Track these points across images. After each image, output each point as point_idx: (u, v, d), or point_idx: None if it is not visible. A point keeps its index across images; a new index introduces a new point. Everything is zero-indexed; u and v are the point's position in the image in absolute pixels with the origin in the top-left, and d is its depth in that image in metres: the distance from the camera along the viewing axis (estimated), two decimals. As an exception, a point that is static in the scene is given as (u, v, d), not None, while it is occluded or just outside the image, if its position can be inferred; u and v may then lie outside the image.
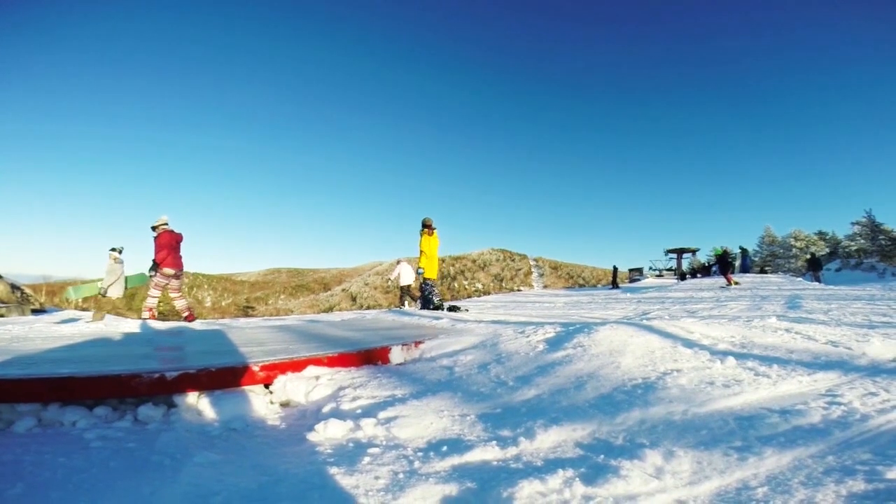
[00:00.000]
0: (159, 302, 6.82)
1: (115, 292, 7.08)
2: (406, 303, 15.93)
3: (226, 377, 2.18)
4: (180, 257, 6.79)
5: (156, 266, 6.64)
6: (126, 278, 7.64)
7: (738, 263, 20.85)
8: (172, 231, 6.73)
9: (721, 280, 13.82)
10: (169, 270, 6.65)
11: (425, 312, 9.08)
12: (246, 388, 2.23)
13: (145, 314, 6.62)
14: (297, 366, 2.41)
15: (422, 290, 9.44)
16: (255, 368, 2.26)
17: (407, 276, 16.14)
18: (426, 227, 9.41)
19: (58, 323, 6.32)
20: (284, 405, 2.20)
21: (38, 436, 1.75)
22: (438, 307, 9.28)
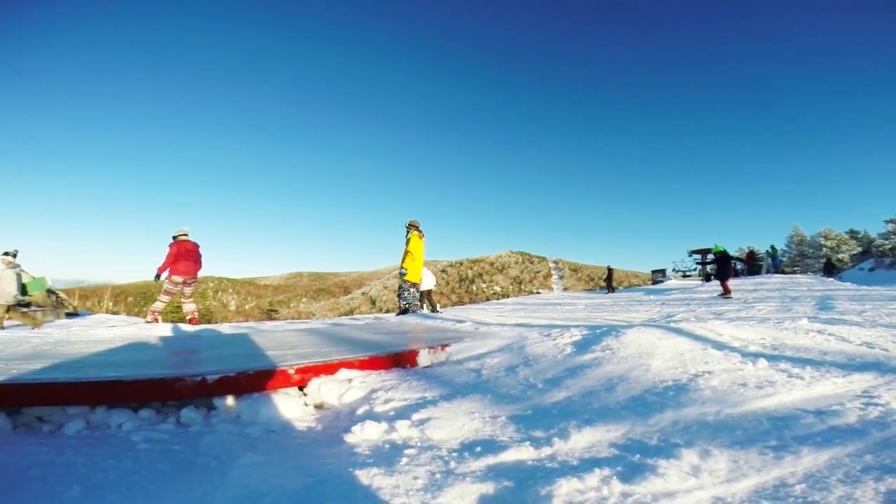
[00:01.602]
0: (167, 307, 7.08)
1: (7, 297, 7.34)
2: (424, 307, 15.92)
3: (263, 380, 2.24)
4: (193, 265, 7.09)
5: (157, 275, 6.91)
6: (24, 285, 7.97)
7: (767, 263, 20.31)
8: (184, 241, 7.05)
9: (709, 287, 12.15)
10: (178, 278, 6.95)
11: (447, 315, 8.98)
12: (281, 390, 2.29)
13: (148, 318, 6.89)
14: (329, 369, 2.46)
15: (400, 292, 9.10)
16: (291, 371, 2.31)
17: (427, 281, 16.17)
18: (415, 228, 9.09)
19: (93, 326, 6.54)
20: (318, 407, 2.26)
21: (88, 438, 1.82)
22: (406, 311, 8.95)
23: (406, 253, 8.83)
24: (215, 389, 2.13)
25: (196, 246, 7.16)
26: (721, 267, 9.66)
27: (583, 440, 1.42)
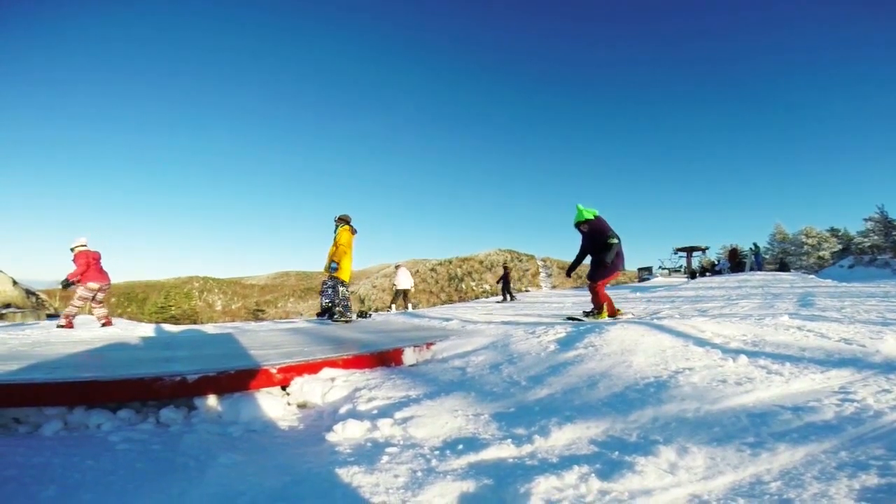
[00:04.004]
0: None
1: None
2: (394, 306, 15.83)
3: (244, 380, 2.22)
4: (103, 272, 7.41)
5: (68, 282, 7.08)
6: None
7: (751, 261, 20.62)
8: (91, 251, 7.35)
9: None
10: (94, 284, 7.12)
11: (434, 314, 8.83)
12: (264, 390, 2.27)
13: (62, 321, 6.98)
14: (313, 368, 2.45)
15: (323, 289, 8.57)
16: (273, 371, 2.30)
17: (405, 281, 16.17)
18: (345, 222, 8.15)
19: (75, 328, 6.42)
20: (302, 406, 2.24)
21: (66, 438, 1.79)
22: (341, 315, 8.07)
23: (337, 246, 7.93)
24: (196, 389, 2.11)
25: (99, 255, 7.50)
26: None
27: (563, 437, 1.43)
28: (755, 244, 21.42)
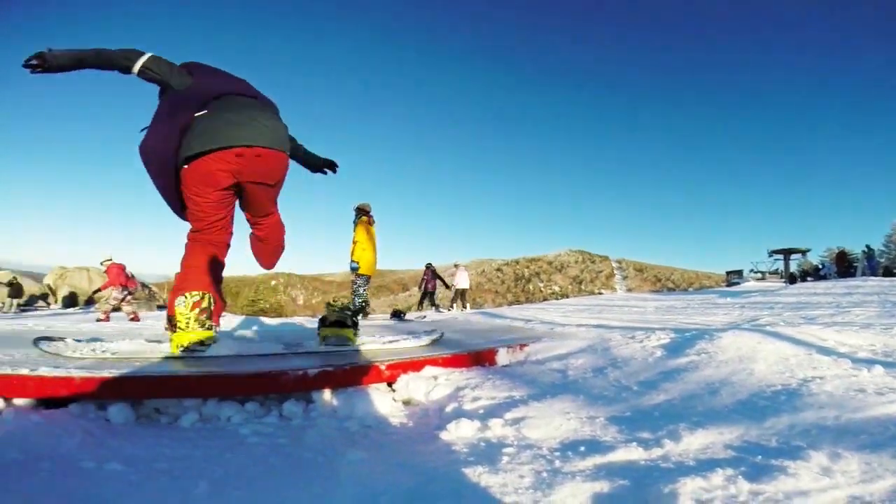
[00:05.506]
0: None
1: None
2: (455, 306, 15.75)
3: (357, 375, 2.34)
4: (127, 278, 11.00)
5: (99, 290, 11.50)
6: None
7: (863, 265, 18.50)
8: (116, 264, 10.91)
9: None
10: (119, 289, 10.81)
11: (510, 313, 8.66)
12: (372, 385, 2.36)
13: (101, 316, 10.19)
14: (416, 365, 2.53)
15: (354, 288, 8.01)
16: (382, 367, 2.40)
17: (464, 281, 16.14)
18: (364, 212, 7.92)
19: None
20: (406, 403, 2.32)
21: (201, 430, 1.89)
22: (359, 312, 8.20)
23: (353, 243, 7.77)
24: (315, 383, 2.22)
25: (124, 266, 11.15)
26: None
27: (696, 442, 1.40)
28: (868, 246, 19.15)
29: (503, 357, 2.96)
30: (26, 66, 2.30)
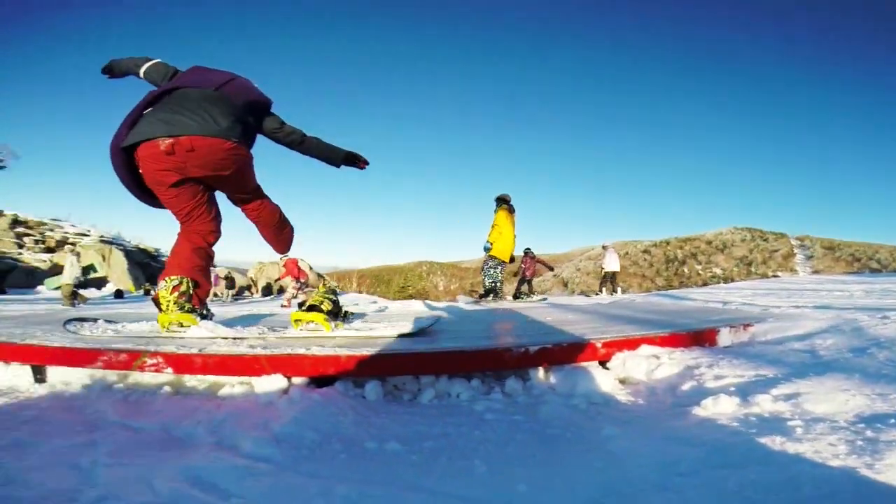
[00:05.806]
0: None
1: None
2: (604, 289, 14.65)
3: (574, 353, 2.36)
4: (300, 270, 13.49)
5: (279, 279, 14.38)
6: (82, 268, 13.87)
7: None
8: (291, 259, 13.12)
9: None
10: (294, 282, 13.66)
11: (697, 295, 7.96)
12: (585, 364, 2.36)
13: (284, 303, 12.57)
14: (632, 344, 2.51)
15: (484, 269, 8.51)
16: (598, 345, 2.40)
17: (613, 263, 15.00)
18: (504, 202, 8.45)
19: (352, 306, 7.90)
20: (622, 382, 2.28)
21: (439, 407, 1.91)
22: (490, 291, 8.26)
23: (493, 226, 8.33)
24: (534, 360, 2.26)
25: (296, 261, 13.68)
26: None
27: None
28: None
29: (725, 337, 2.80)
30: (104, 72, 2.78)
